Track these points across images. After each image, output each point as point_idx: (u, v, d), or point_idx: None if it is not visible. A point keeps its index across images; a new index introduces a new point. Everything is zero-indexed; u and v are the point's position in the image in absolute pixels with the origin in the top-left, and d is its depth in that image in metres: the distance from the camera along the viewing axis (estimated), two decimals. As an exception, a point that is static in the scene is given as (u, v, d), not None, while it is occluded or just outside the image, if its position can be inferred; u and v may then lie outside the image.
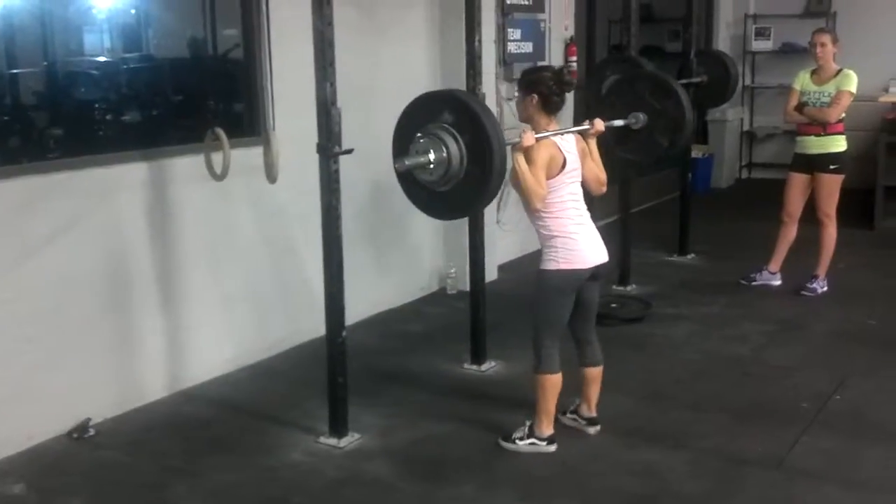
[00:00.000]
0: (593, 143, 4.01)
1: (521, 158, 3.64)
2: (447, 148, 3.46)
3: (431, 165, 3.49)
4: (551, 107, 3.81)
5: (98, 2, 4.94)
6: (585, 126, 4.01)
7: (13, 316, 3.97)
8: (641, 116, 4.66)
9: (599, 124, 4.03)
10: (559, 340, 3.91)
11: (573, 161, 3.82)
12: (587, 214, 3.90)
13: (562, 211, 3.79)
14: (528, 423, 3.97)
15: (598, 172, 3.98)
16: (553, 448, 3.94)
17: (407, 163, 3.51)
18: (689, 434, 4.15)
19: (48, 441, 4.11)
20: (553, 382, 3.88)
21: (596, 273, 3.88)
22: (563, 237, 3.78)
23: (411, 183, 3.67)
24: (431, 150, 3.47)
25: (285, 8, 4.52)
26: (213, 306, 4.87)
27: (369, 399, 4.47)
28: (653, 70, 5.22)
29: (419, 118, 3.59)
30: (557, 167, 3.74)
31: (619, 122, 4.59)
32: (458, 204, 3.67)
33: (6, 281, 3.95)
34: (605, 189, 4.04)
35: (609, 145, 4.33)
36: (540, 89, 3.78)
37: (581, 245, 3.80)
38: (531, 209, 3.75)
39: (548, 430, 3.94)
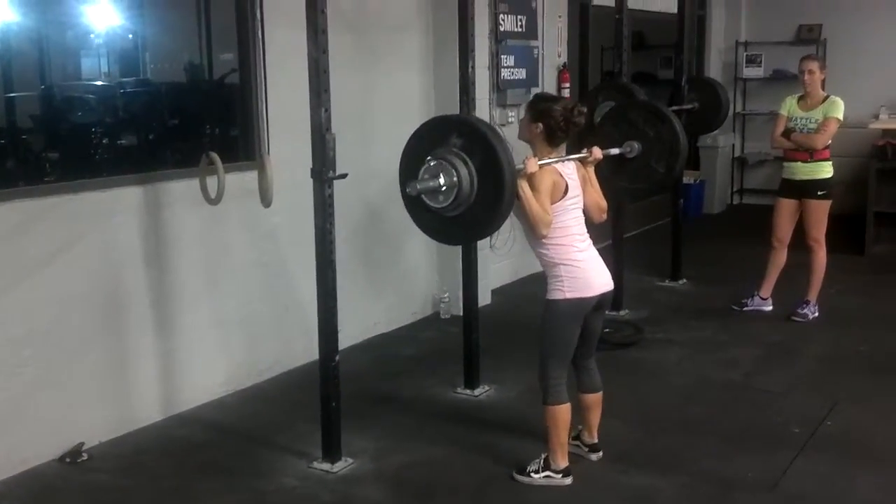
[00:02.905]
0: (592, 170, 4.04)
1: (525, 185, 3.63)
2: (457, 171, 3.46)
3: (443, 189, 3.48)
4: (555, 140, 3.82)
5: (95, 26, 4.98)
6: (584, 154, 4.05)
7: (8, 339, 3.98)
8: (636, 145, 4.73)
9: (598, 152, 4.07)
10: (566, 370, 3.89)
11: (575, 187, 3.82)
12: (590, 241, 3.89)
13: (565, 237, 3.77)
14: (543, 456, 3.91)
15: (599, 199, 4.00)
16: (569, 481, 3.87)
17: (419, 186, 3.50)
18: (681, 458, 4.16)
19: (41, 465, 4.10)
20: (563, 413, 3.84)
21: (601, 301, 3.86)
22: (566, 265, 3.76)
23: (421, 209, 3.64)
24: (441, 174, 3.47)
25: (281, 34, 4.58)
26: (207, 330, 4.88)
27: (363, 423, 4.48)
28: (644, 99, 5.30)
29: (427, 143, 3.60)
30: (560, 193, 3.75)
31: (614, 151, 4.65)
32: (471, 228, 3.63)
33: (1, 304, 3.95)
34: (605, 216, 4.04)
35: (606, 175, 4.35)
36: (547, 121, 3.77)
37: (586, 272, 3.78)
38: (536, 236, 3.72)
39: (563, 461, 3.89)
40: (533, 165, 3.65)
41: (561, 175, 3.77)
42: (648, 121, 4.78)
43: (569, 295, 3.75)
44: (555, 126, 3.76)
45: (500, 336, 5.65)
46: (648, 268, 7.45)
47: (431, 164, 3.51)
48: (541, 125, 3.78)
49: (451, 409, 4.80)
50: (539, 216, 3.65)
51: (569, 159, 3.92)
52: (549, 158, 3.79)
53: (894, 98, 9.80)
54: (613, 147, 4.66)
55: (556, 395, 3.82)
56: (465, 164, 3.46)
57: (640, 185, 4.89)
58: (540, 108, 3.81)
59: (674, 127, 4.77)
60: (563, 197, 3.76)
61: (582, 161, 4.01)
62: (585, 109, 3.90)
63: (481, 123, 3.65)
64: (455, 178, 3.46)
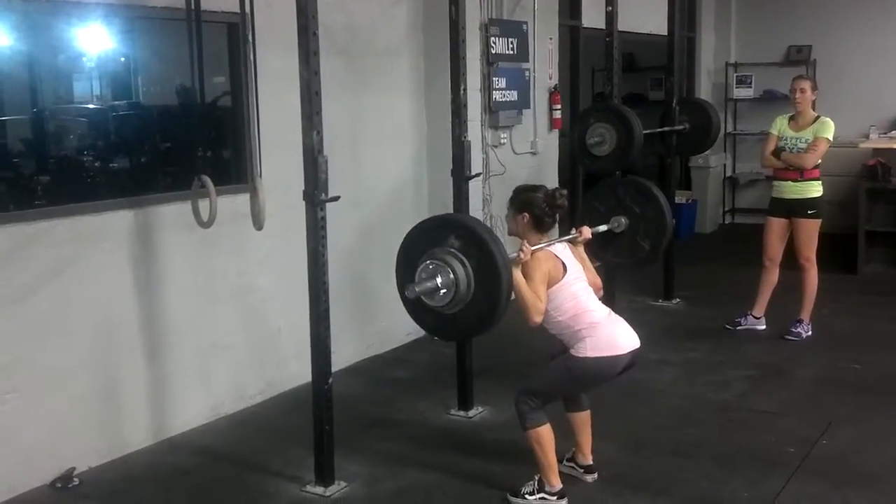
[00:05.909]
0: (582, 249, 4.08)
1: (518, 273, 3.65)
2: (454, 272, 3.46)
3: (442, 291, 3.48)
4: (543, 226, 3.88)
5: (87, 50, 4.98)
6: (573, 234, 4.10)
7: (-3, 364, 3.96)
8: (623, 220, 4.83)
9: (587, 231, 4.14)
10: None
11: (572, 264, 3.87)
12: (606, 308, 3.90)
13: (577, 306, 3.79)
14: (536, 477, 3.89)
15: (594, 279, 4.02)
16: (564, 503, 3.86)
17: (417, 289, 3.51)
18: (675, 481, 4.14)
19: (32, 491, 4.07)
20: (546, 433, 3.82)
21: (631, 361, 3.84)
22: (586, 328, 3.76)
23: (419, 307, 3.65)
24: (439, 275, 3.48)
25: (273, 57, 4.58)
26: (198, 353, 4.85)
27: (355, 447, 4.45)
28: (635, 177, 5.37)
29: (424, 242, 3.60)
30: (559, 274, 3.78)
31: (602, 228, 4.73)
32: (467, 325, 3.64)
33: (-10, 329, 3.94)
34: (602, 293, 4.04)
35: (593, 248, 4.45)
36: (532, 210, 3.84)
37: (610, 331, 3.79)
38: (529, 323, 3.71)
39: (556, 482, 3.87)
40: (528, 254, 3.68)
41: (556, 256, 3.81)
42: (636, 198, 4.87)
43: (591, 353, 3.73)
44: (540, 213, 3.84)
45: (493, 357, 5.63)
46: (641, 288, 7.44)
47: (430, 266, 3.51)
48: (526, 215, 3.86)
49: (445, 431, 4.78)
50: (531, 303, 3.66)
51: (559, 241, 3.97)
52: (540, 244, 3.83)
53: (884, 118, 9.89)
54: (601, 223, 4.72)
55: (535, 417, 3.82)
56: (463, 265, 3.47)
57: (625, 259, 5.00)
58: (523, 199, 3.89)
59: (661, 206, 4.86)
60: (563, 276, 3.79)
61: (572, 241, 4.05)
62: (566, 192, 3.97)
63: (480, 226, 3.62)
64: (452, 277, 3.47)
